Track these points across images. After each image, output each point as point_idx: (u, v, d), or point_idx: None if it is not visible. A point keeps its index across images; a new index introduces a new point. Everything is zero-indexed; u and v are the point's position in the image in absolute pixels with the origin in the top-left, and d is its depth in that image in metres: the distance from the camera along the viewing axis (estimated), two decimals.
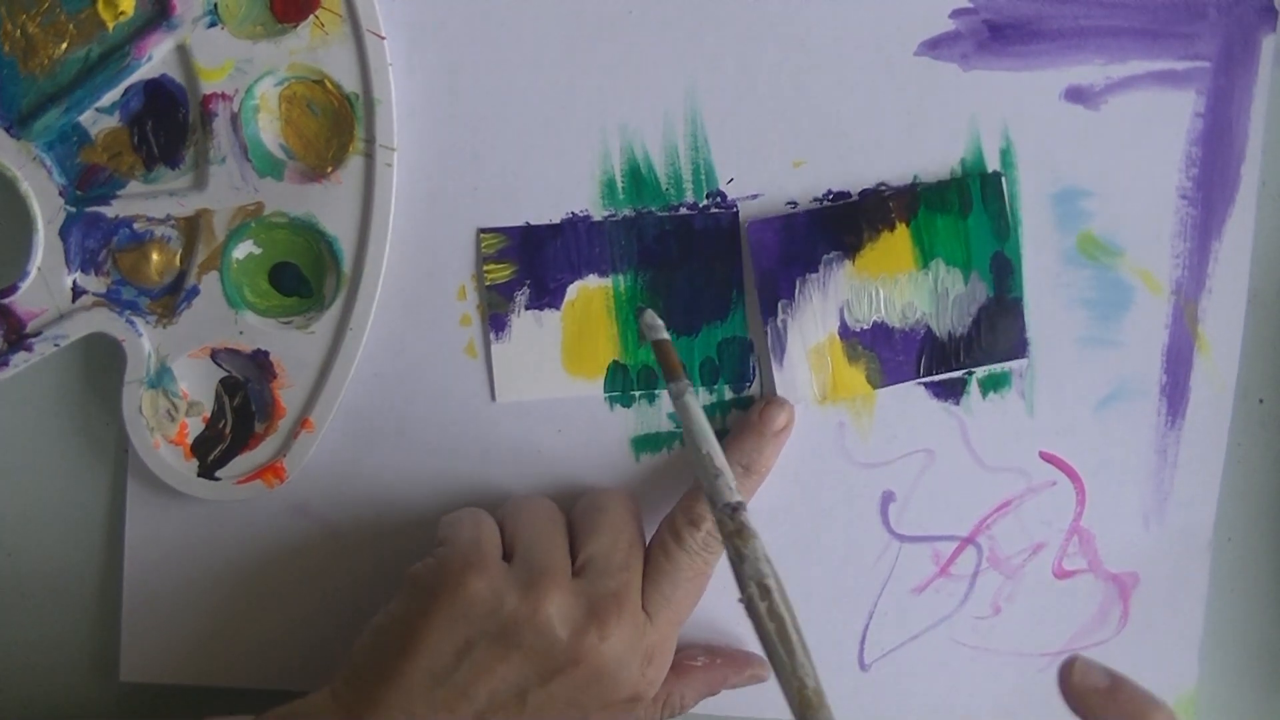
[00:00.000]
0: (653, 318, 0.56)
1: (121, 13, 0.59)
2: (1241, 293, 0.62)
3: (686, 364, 0.62)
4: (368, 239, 0.61)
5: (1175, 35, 0.60)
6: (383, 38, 0.60)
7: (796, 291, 0.62)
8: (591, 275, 0.62)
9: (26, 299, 0.61)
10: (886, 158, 0.61)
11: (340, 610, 0.64)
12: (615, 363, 0.63)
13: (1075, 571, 0.64)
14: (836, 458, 0.63)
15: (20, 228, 0.61)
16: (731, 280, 0.62)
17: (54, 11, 0.59)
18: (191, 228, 0.61)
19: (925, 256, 0.62)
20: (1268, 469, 0.65)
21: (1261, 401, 0.64)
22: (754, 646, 0.58)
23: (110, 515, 0.65)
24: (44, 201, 0.60)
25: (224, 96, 0.60)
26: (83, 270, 0.61)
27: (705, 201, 0.62)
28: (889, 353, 0.62)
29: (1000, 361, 0.62)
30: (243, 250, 0.62)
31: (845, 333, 0.62)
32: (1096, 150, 0.61)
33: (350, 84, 0.60)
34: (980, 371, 0.63)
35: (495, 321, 0.62)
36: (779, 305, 0.62)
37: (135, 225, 0.61)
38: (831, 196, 0.61)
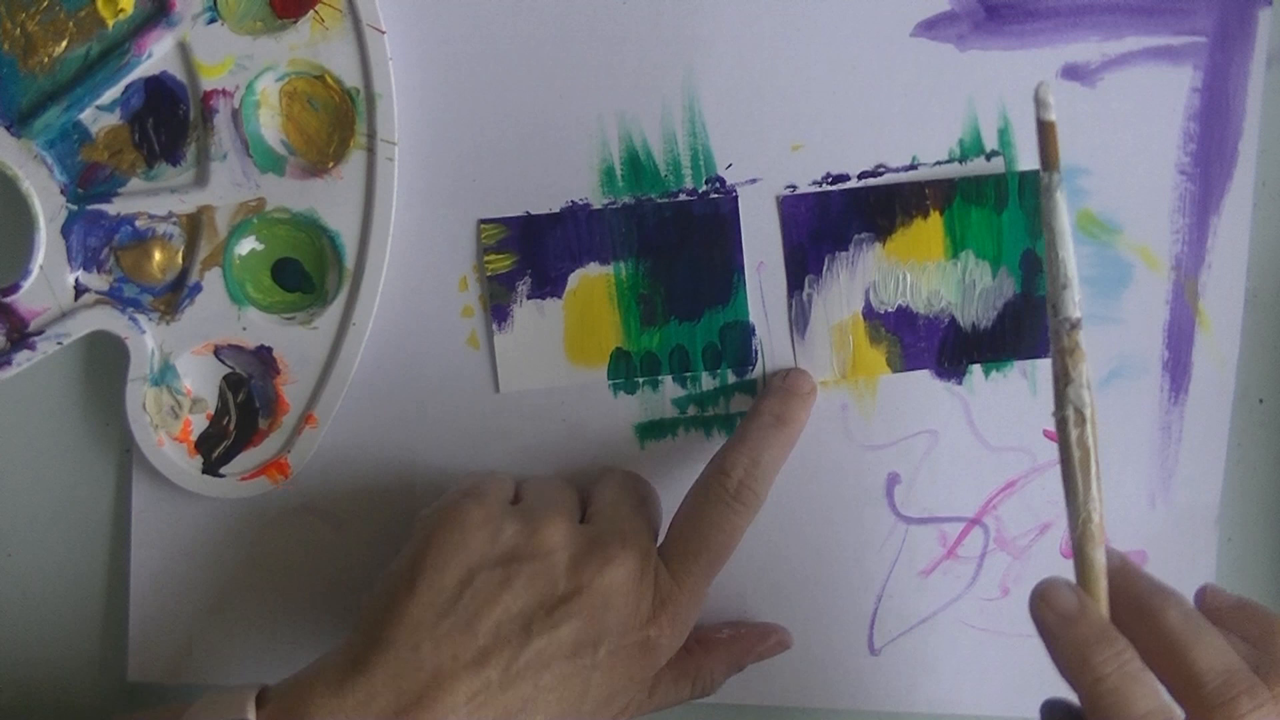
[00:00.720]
0: (1046, 92, 0.56)
1: (121, 10, 0.60)
2: (1241, 267, 0.62)
3: (689, 349, 0.63)
4: (369, 234, 0.61)
5: (1171, 11, 0.60)
6: (383, 32, 0.60)
7: (824, 268, 0.62)
8: (592, 263, 0.62)
9: (29, 297, 0.61)
10: (885, 139, 0.61)
11: (348, 605, 0.64)
12: (618, 350, 0.63)
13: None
14: (840, 440, 0.63)
15: (22, 226, 0.61)
16: (732, 264, 0.62)
17: (53, 9, 0.59)
18: (193, 224, 0.61)
19: (956, 247, 0.62)
20: (1268, 469, 0.65)
21: (1262, 401, 0.64)
22: (777, 619, 0.59)
23: (115, 514, 0.65)
24: (45, 200, 0.60)
25: (224, 93, 0.60)
26: (85, 268, 0.61)
27: (704, 187, 0.62)
28: (911, 338, 0.62)
29: (1021, 359, 0.63)
30: (245, 246, 0.62)
31: (869, 313, 0.62)
32: (1094, 128, 0.61)
33: (351, 79, 0.60)
34: None
35: (497, 312, 0.62)
36: (806, 280, 0.62)
37: (137, 223, 0.61)
38: (830, 179, 0.62)
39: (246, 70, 0.60)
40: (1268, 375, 0.64)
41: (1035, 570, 0.64)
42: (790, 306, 0.62)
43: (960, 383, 0.63)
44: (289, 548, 0.64)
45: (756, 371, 0.63)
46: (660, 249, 0.62)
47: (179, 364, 0.62)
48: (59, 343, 0.61)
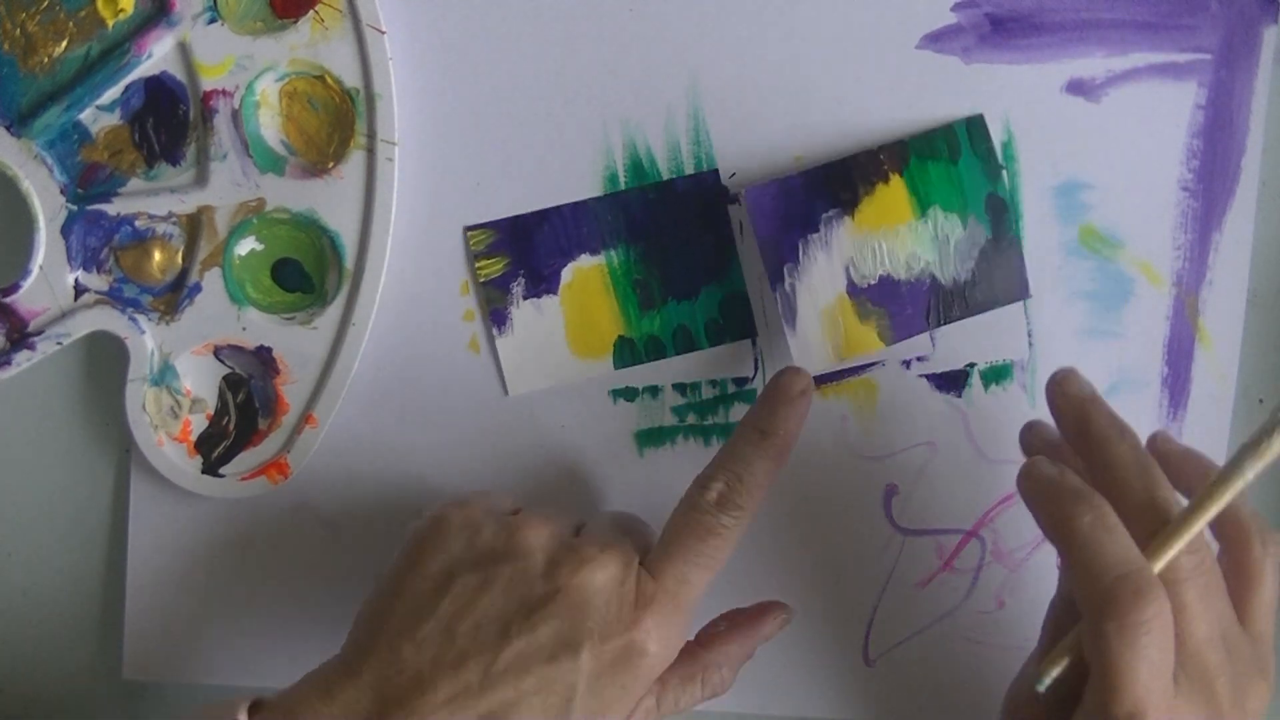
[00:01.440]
0: None
1: (121, 10, 0.59)
2: (1242, 284, 0.62)
3: (691, 328, 0.63)
4: (369, 234, 0.61)
5: (1176, 28, 0.60)
6: (383, 32, 0.60)
7: (801, 254, 0.62)
8: (584, 255, 0.62)
9: (29, 297, 0.61)
10: None
11: (346, 605, 0.63)
12: (621, 338, 0.63)
13: None
14: (839, 451, 0.64)
15: (22, 226, 0.61)
16: (723, 238, 0.62)
17: (54, 9, 0.59)
18: (193, 225, 0.61)
19: (922, 205, 0.62)
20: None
21: (1261, 401, 0.64)
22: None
23: (114, 513, 0.65)
24: (45, 200, 0.60)
25: (224, 93, 0.60)
26: (85, 268, 0.61)
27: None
28: (897, 307, 0.62)
29: (1005, 304, 0.62)
30: (245, 247, 0.62)
31: (853, 290, 0.62)
32: (1098, 143, 0.61)
33: (351, 79, 0.60)
34: (982, 364, 0.63)
35: (496, 316, 0.62)
36: (785, 270, 0.62)
37: (137, 223, 0.61)
38: None
39: (246, 70, 0.60)
40: (1268, 375, 0.64)
41: (1031, 584, 0.64)
42: (776, 300, 0.62)
43: (959, 395, 0.63)
44: (288, 548, 0.64)
45: (756, 381, 0.63)
46: (650, 232, 0.62)
47: (179, 364, 0.62)
48: (59, 343, 0.61)
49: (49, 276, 0.61)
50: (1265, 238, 0.62)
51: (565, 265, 0.62)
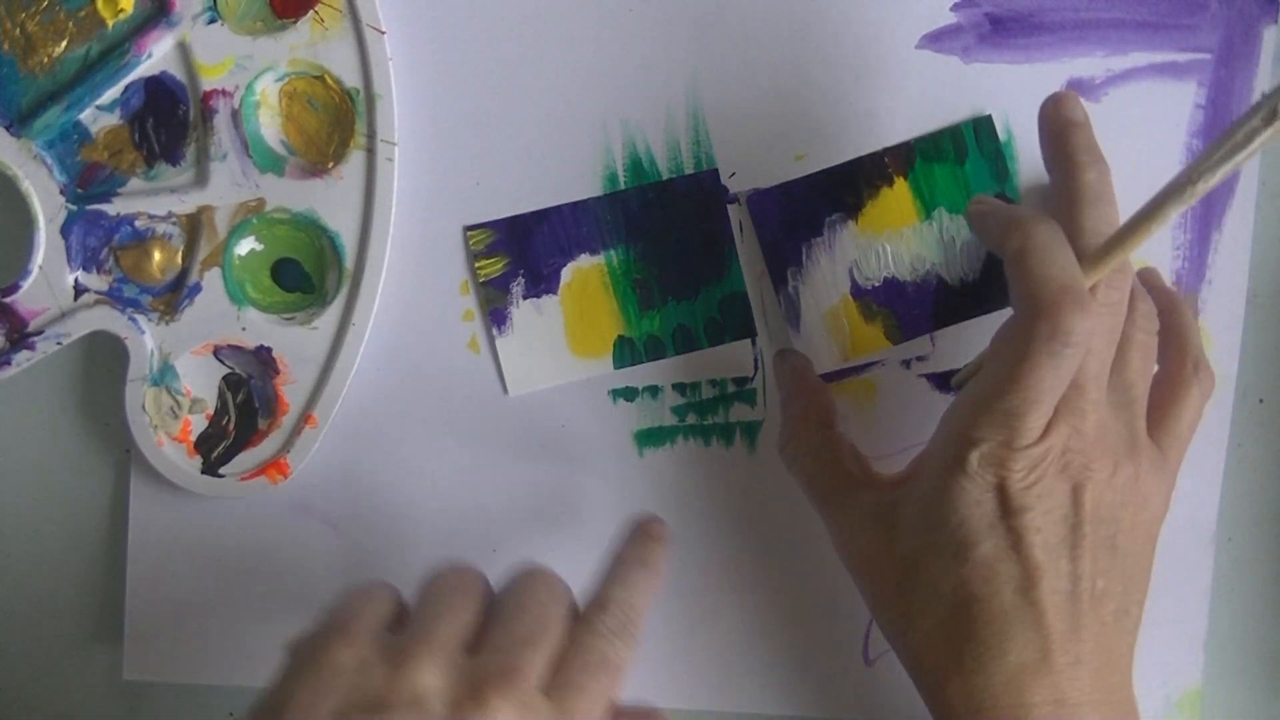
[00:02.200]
0: None
1: (121, 10, 0.59)
2: (1242, 284, 0.62)
3: (691, 327, 0.63)
4: (369, 234, 0.61)
5: (1176, 27, 0.60)
6: (383, 32, 0.60)
7: (804, 257, 0.62)
8: (583, 255, 0.62)
9: (28, 297, 0.61)
10: None
11: None
12: (621, 337, 0.63)
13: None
14: None
15: (21, 226, 0.61)
16: (723, 237, 0.62)
17: (53, 9, 0.59)
18: (193, 225, 0.61)
19: (927, 207, 0.62)
20: (1268, 469, 0.65)
21: (1261, 401, 0.64)
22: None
23: (113, 513, 0.65)
24: (45, 200, 0.60)
25: (224, 93, 0.60)
26: (84, 268, 0.61)
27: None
28: (904, 307, 0.62)
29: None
30: (244, 247, 0.62)
31: (857, 292, 0.62)
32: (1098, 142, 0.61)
33: (351, 79, 0.60)
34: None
35: (495, 316, 0.62)
36: (788, 273, 0.62)
37: (136, 223, 0.61)
38: None
39: (246, 70, 0.60)
40: (1268, 375, 0.64)
41: None
42: (780, 303, 0.62)
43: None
44: (288, 548, 0.64)
45: (756, 381, 0.63)
46: (649, 232, 0.62)
47: (178, 364, 0.62)
48: (58, 343, 0.61)
49: (49, 276, 0.61)
50: (1265, 238, 0.62)
51: (565, 265, 0.62)
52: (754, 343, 0.63)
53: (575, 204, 0.62)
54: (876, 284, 0.62)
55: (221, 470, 0.63)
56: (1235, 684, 0.66)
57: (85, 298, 0.61)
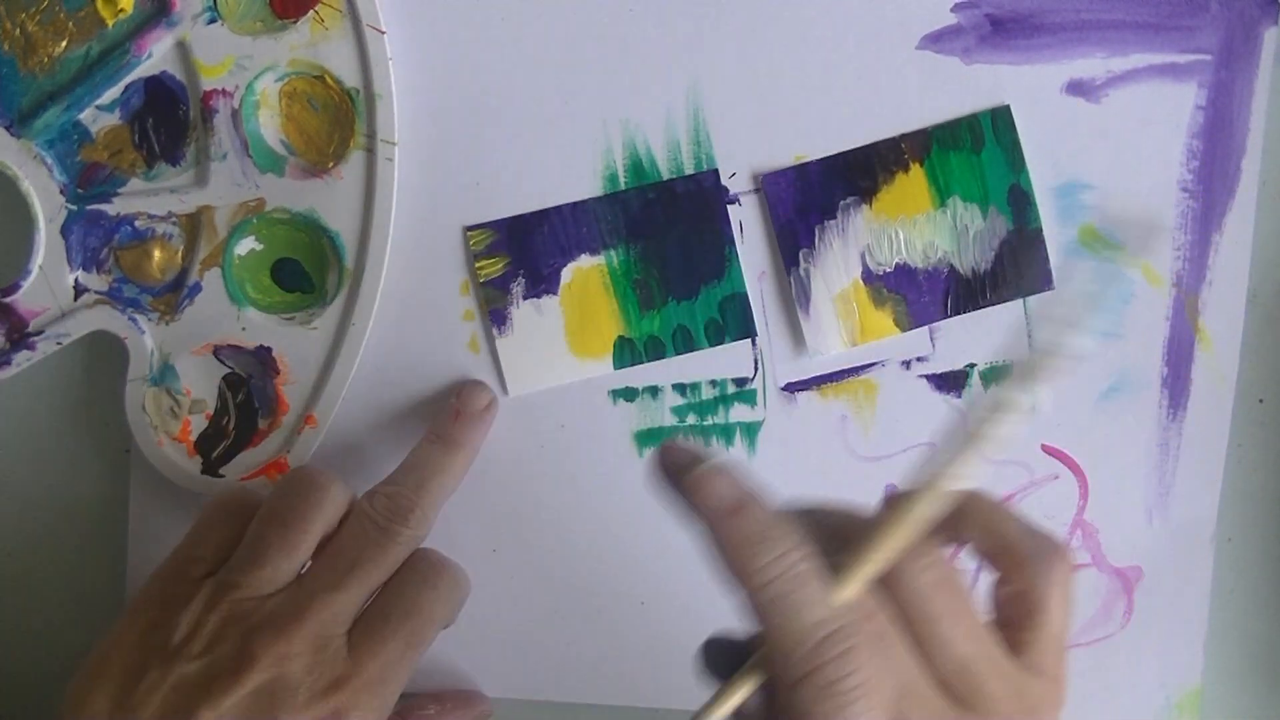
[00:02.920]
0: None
1: (121, 10, 0.59)
2: (1242, 285, 0.62)
3: (691, 328, 0.63)
4: (369, 234, 0.61)
5: (1177, 28, 0.60)
6: (383, 32, 0.60)
7: (816, 239, 0.62)
8: (584, 255, 0.62)
9: (28, 297, 0.61)
10: None
11: None
12: (621, 338, 0.63)
13: (1079, 566, 0.64)
14: (839, 451, 0.63)
15: (21, 226, 0.61)
16: (722, 238, 0.62)
17: (53, 9, 0.59)
18: (193, 224, 0.61)
19: (942, 195, 0.62)
20: (1268, 469, 0.65)
21: (1261, 401, 0.64)
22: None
23: (114, 513, 0.65)
24: (45, 200, 0.60)
25: (224, 93, 0.60)
26: (84, 268, 0.61)
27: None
28: (914, 294, 0.62)
29: (1029, 294, 0.62)
30: (244, 246, 0.62)
31: (869, 277, 0.62)
32: (1098, 143, 0.61)
33: (351, 79, 0.60)
34: (982, 364, 0.63)
35: (495, 316, 0.62)
36: (800, 255, 0.62)
37: (136, 223, 0.61)
38: None
39: (246, 70, 0.60)
40: (1268, 375, 0.64)
41: None
42: (790, 284, 0.62)
43: (959, 395, 0.63)
44: None
45: (756, 382, 0.63)
46: (649, 232, 0.62)
47: (178, 364, 0.62)
48: (58, 343, 0.61)
49: (49, 276, 0.61)
50: (1265, 238, 0.62)
51: (565, 265, 0.62)
52: (754, 343, 0.63)
53: (575, 204, 0.62)
54: (888, 269, 0.62)
55: (222, 470, 0.63)
56: (1235, 684, 0.66)
57: (85, 298, 0.61)
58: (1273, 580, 0.66)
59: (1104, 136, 0.61)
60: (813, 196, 0.62)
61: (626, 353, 0.63)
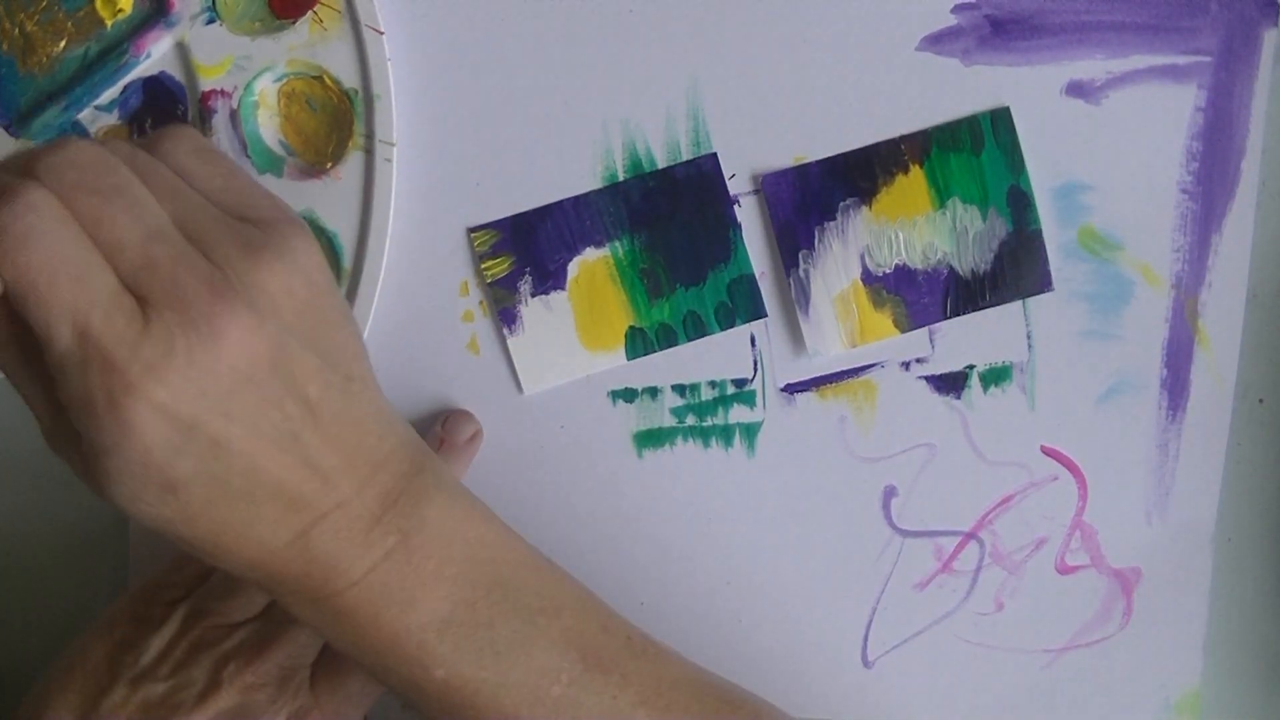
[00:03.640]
0: None
1: (120, 10, 0.59)
2: (1241, 287, 0.62)
3: (701, 313, 0.63)
4: (368, 235, 0.61)
5: (1177, 30, 0.60)
6: (381, 33, 0.60)
7: (816, 240, 0.62)
8: (588, 248, 0.62)
9: None
10: None
11: None
12: (632, 328, 0.63)
13: (1078, 567, 0.64)
14: (838, 452, 0.64)
15: None
16: (726, 220, 0.62)
17: (52, 9, 0.59)
18: None
19: (942, 196, 0.62)
20: (1268, 469, 0.65)
21: (1261, 401, 0.64)
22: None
23: (113, 514, 0.65)
24: None
25: (223, 93, 0.60)
26: None
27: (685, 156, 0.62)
28: (914, 295, 0.62)
29: (1028, 296, 0.62)
30: None
31: (868, 278, 0.62)
32: (1098, 144, 0.61)
33: (349, 80, 0.60)
34: (981, 366, 0.63)
35: (505, 315, 0.62)
36: (799, 255, 0.62)
37: None
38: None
39: (245, 71, 0.60)
40: (1268, 375, 0.64)
41: (1031, 586, 0.64)
42: (790, 285, 0.62)
43: (959, 397, 0.63)
44: None
45: (755, 382, 0.63)
46: (652, 221, 0.62)
47: None
48: None
49: None
50: (1265, 240, 0.62)
51: (571, 260, 0.62)
52: (754, 343, 0.63)
53: (577, 198, 0.62)
54: (888, 271, 0.62)
55: None
56: (1235, 685, 0.66)
57: None
58: (1273, 580, 0.66)
59: (1104, 138, 0.61)
60: (812, 197, 0.62)
61: (639, 343, 0.63)
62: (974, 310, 0.62)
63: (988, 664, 0.65)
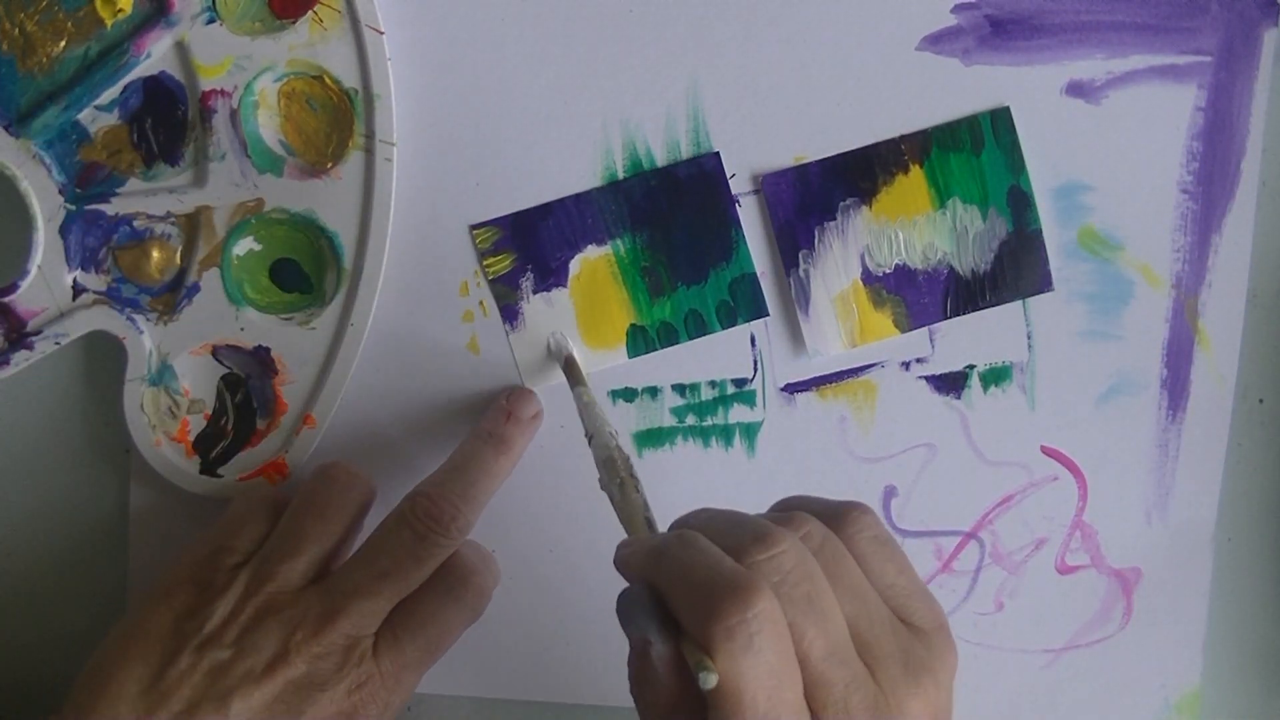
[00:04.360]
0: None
1: (120, 10, 0.59)
2: (1241, 287, 0.62)
3: (703, 311, 0.63)
4: (368, 235, 0.61)
5: (1177, 30, 0.60)
6: (381, 33, 0.59)
7: (816, 240, 0.62)
8: (590, 246, 0.62)
9: (27, 297, 0.61)
10: None
11: None
12: (633, 326, 0.63)
13: (1078, 567, 0.64)
14: (838, 452, 0.64)
15: (20, 226, 0.60)
16: (728, 219, 0.62)
17: (52, 9, 0.59)
18: (191, 225, 0.61)
19: (942, 196, 0.62)
20: (1268, 469, 0.65)
21: (1261, 401, 0.64)
22: None
23: (113, 514, 0.65)
24: (44, 200, 0.60)
25: (223, 93, 0.60)
26: (83, 268, 0.61)
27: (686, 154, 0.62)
28: (914, 295, 0.62)
29: (1027, 296, 0.63)
30: (243, 247, 0.62)
31: (868, 278, 0.62)
32: (1098, 144, 0.61)
33: (349, 79, 0.60)
34: (981, 366, 0.63)
35: (507, 313, 0.62)
36: (799, 255, 0.62)
37: (135, 223, 0.61)
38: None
39: (245, 70, 0.60)
40: (1268, 375, 0.64)
41: (1031, 586, 0.65)
42: (790, 285, 0.62)
43: (959, 397, 0.63)
44: None
45: (755, 382, 0.63)
46: (654, 219, 0.62)
47: (177, 364, 0.62)
48: (57, 343, 0.61)
49: (47, 276, 0.61)
50: (1264, 239, 0.62)
51: (572, 257, 0.62)
52: (754, 343, 0.63)
53: (578, 195, 0.62)
54: (888, 270, 0.62)
55: (220, 470, 0.63)
56: (1235, 685, 0.66)
57: (84, 298, 0.61)
58: (1273, 580, 0.66)
59: (1104, 138, 0.61)
60: (812, 197, 0.61)
61: (640, 340, 0.63)
62: (974, 310, 0.62)
63: (988, 664, 0.65)
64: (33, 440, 0.65)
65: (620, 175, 0.61)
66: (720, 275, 0.62)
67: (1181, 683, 0.65)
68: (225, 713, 0.53)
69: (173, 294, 0.61)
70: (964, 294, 0.62)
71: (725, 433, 0.63)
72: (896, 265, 0.62)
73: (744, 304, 0.63)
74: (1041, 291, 0.62)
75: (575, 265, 0.63)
